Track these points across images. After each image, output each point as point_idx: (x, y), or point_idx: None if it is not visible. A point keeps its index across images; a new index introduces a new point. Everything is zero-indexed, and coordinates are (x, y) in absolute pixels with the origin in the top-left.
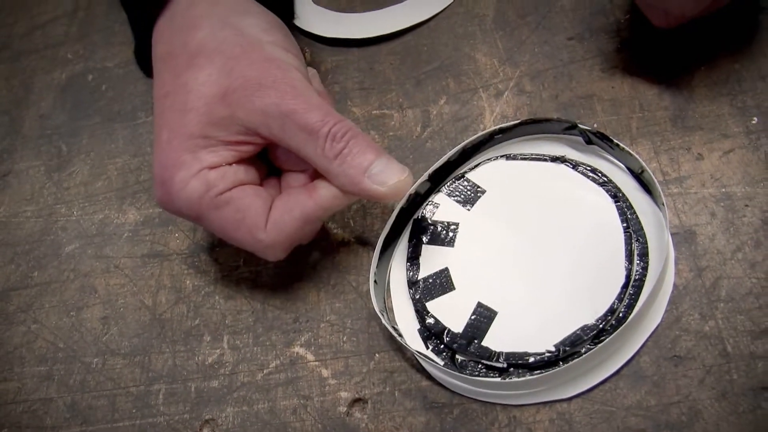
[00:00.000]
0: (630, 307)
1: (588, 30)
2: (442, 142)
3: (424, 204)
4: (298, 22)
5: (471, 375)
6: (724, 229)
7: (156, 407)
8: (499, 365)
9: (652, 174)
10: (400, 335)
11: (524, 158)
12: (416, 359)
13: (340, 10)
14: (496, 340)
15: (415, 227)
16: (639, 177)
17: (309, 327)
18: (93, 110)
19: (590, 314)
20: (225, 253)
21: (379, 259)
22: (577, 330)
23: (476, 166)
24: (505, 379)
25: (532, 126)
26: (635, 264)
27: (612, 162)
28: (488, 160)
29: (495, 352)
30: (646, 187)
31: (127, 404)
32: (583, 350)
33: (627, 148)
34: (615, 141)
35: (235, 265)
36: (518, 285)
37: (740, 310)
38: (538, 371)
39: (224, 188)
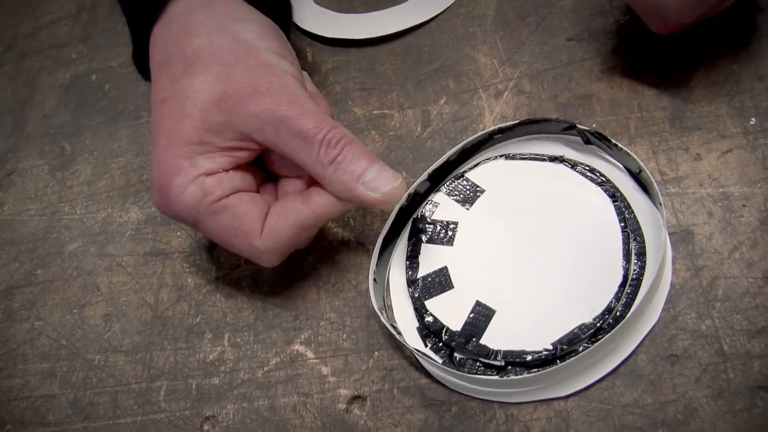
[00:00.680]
0: (627, 306)
1: (587, 31)
2: (442, 142)
3: (424, 203)
4: (299, 23)
5: (469, 373)
6: (722, 228)
7: (157, 404)
8: (497, 363)
9: (649, 174)
10: (399, 333)
11: (523, 158)
12: (415, 357)
13: (341, 10)
14: (494, 338)
15: (414, 226)
16: (637, 177)
17: (309, 325)
18: (96, 110)
19: (588, 313)
20: (226, 252)
21: (379, 257)
22: (575, 329)
23: (475, 165)
24: (502, 377)
25: (531, 126)
26: (633, 263)
27: (610, 162)
28: (487, 159)
29: (493, 350)
30: (644, 186)
31: (129, 401)
32: (581, 349)
33: (625, 148)
34: (613, 141)
35: (236, 264)
36: (516, 284)
37: (737, 310)
38: (535, 369)
39: (221, 195)
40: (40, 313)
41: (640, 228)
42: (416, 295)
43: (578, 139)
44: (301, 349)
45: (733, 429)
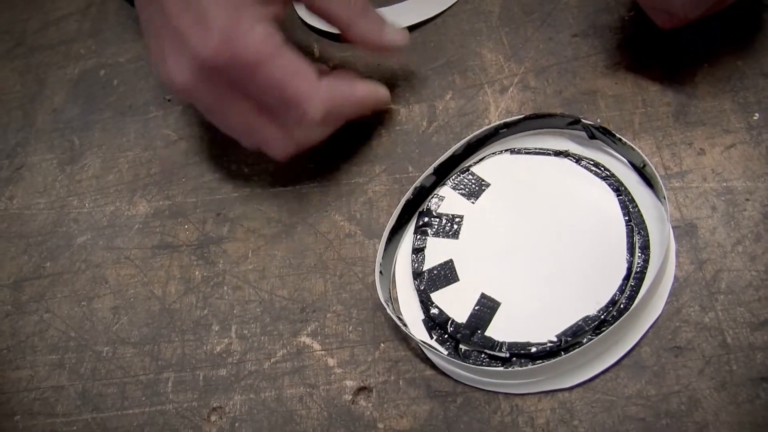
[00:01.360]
0: (631, 298)
1: (592, 27)
2: (448, 137)
3: (430, 197)
4: (307, 19)
5: (474, 364)
6: (725, 222)
7: (165, 395)
8: (502, 355)
9: (653, 168)
10: (405, 325)
11: (528, 152)
12: (420, 349)
13: None
14: (499, 330)
15: (420, 219)
16: (641, 171)
17: (315, 317)
18: (105, 105)
19: (592, 305)
20: (233, 245)
21: (385, 250)
22: (579, 321)
23: (481, 159)
24: (507, 368)
25: (536, 121)
26: (636, 256)
27: (615, 156)
28: (493, 154)
29: (498, 342)
30: (648, 181)
31: (137, 392)
32: (585, 340)
33: (629, 143)
34: (618, 136)
35: (243, 256)
36: (521, 276)
37: (740, 302)
38: (540, 361)
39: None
40: (49, 306)
41: (644, 222)
42: (422, 287)
43: (583, 133)
44: (308, 340)
45: (736, 420)
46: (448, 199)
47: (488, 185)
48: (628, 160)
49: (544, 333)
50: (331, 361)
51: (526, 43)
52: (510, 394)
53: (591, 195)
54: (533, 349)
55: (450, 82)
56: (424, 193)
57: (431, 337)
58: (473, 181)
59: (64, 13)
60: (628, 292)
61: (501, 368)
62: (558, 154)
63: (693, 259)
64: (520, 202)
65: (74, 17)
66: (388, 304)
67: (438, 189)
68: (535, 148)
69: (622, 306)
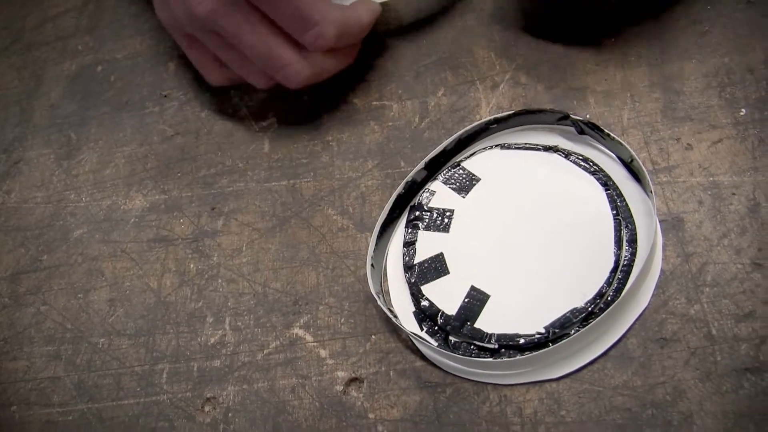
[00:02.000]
0: (618, 290)
1: (582, 24)
2: (439, 132)
3: (421, 191)
4: None
5: (464, 355)
6: (711, 216)
7: (159, 386)
8: (491, 346)
9: (641, 163)
10: (396, 317)
11: (518, 147)
12: (411, 340)
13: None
14: (488, 322)
15: (411, 213)
16: (629, 166)
17: (308, 309)
18: (102, 100)
19: (580, 297)
20: (228, 238)
21: (377, 244)
22: (567, 312)
23: (472, 155)
24: (496, 359)
25: (526, 117)
26: (624, 249)
27: (603, 152)
28: (483, 149)
29: (487, 333)
30: (636, 175)
31: (132, 383)
32: (572, 332)
33: (618, 138)
34: (606, 131)
35: (237, 250)
36: (510, 269)
37: (725, 295)
38: (528, 352)
39: None
40: (45, 298)
41: (631, 215)
42: (413, 280)
43: (572, 129)
44: (301, 332)
45: (720, 410)
46: (439, 194)
47: (479, 180)
48: (617, 155)
49: (533, 325)
50: (323, 353)
51: (518, 40)
52: (498, 384)
53: (580, 189)
54: (521, 341)
55: (442, 78)
56: (415, 187)
57: (421, 329)
58: (464, 175)
59: (62, 9)
60: (616, 285)
61: (490, 359)
62: (548, 149)
63: (679, 252)
64: (510, 196)
65: (71, 14)
66: (379, 297)
67: (429, 183)
68: (525, 144)
69: (609, 298)
